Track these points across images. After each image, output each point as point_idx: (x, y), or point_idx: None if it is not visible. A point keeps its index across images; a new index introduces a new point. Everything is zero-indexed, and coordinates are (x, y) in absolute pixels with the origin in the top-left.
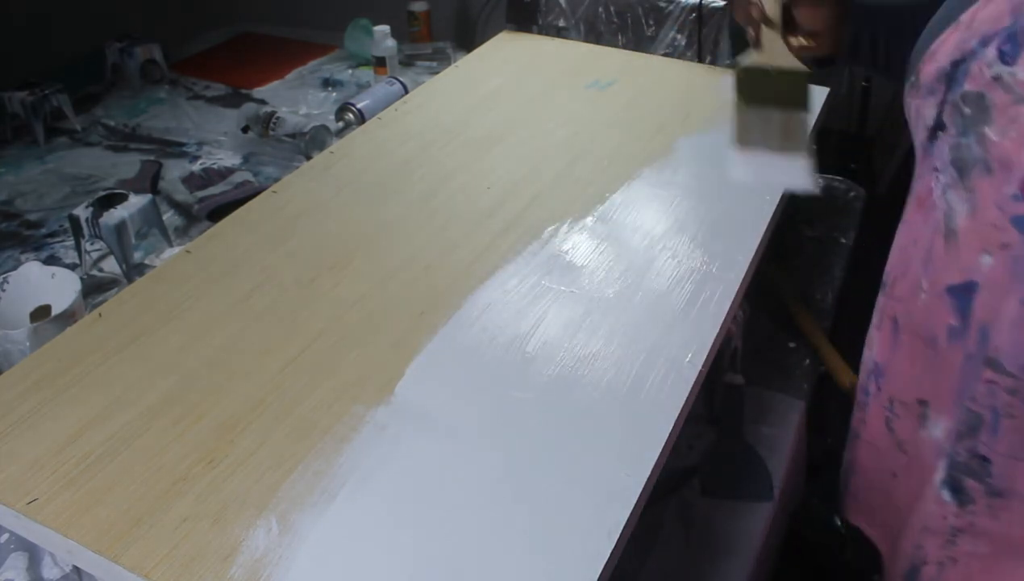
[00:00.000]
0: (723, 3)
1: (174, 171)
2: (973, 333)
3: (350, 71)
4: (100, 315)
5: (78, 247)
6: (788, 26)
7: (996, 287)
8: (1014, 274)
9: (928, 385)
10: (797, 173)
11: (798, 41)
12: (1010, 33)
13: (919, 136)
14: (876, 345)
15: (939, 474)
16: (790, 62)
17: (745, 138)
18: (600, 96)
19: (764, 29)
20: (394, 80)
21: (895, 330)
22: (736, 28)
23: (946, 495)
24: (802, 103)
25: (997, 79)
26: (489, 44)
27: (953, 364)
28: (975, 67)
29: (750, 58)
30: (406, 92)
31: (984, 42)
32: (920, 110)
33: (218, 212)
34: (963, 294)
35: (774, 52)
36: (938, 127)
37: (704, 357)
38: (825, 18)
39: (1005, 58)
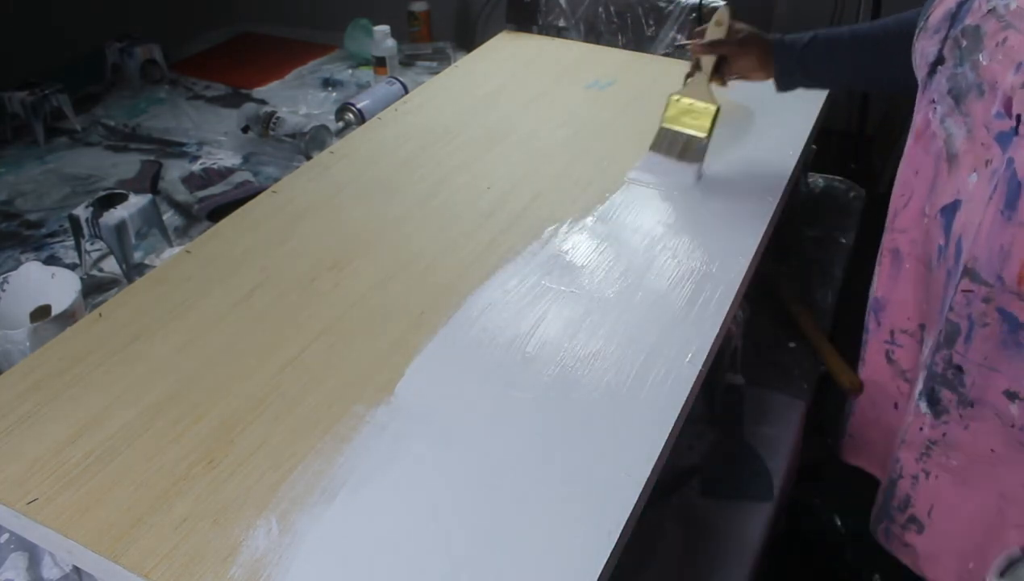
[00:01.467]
0: (723, 3)
1: (174, 171)
2: (951, 248)
3: (350, 71)
4: (100, 315)
5: (78, 247)
6: (719, 70)
7: (976, 201)
8: (993, 186)
9: (926, 308)
10: (685, 177)
11: (721, 82)
12: None
13: (920, 73)
14: (876, 281)
15: (919, 386)
16: (707, 99)
17: (657, 145)
18: (600, 96)
19: (697, 72)
20: (394, 80)
21: (896, 262)
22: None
23: (923, 406)
24: (706, 131)
25: (992, 11)
26: (489, 44)
27: (940, 282)
28: (977, 4)
29: (681, 89)
30: (406, 92)
31: None
32: (924, 49)
33: (218, 212)
34: (950, 212)
35: (698, 89)
36: (938, 61)
37: (704, 357)
38: (755, 60)
39: None
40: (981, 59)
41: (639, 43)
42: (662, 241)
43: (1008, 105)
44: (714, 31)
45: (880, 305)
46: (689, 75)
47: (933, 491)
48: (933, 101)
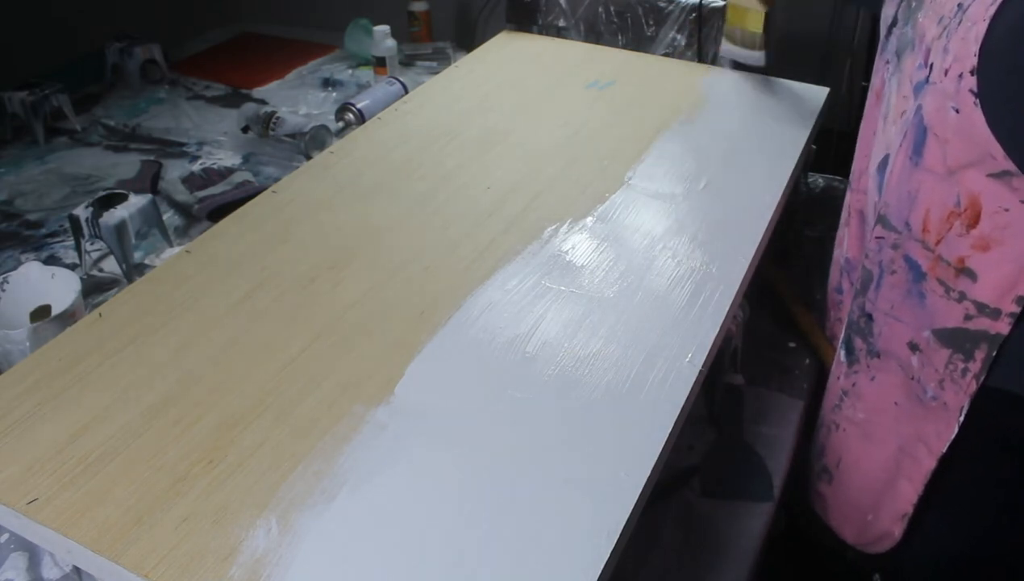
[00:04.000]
0: (723, 2)
1: (174, 171)
2: (882, 201)
3: (350, 71)
4: (100, 315)
5: (78, 247)
6: None
7: (895, 152)
8: (903, 133)
9: None
10: (753, 57)
11: None
12: None
13: (882, 35)
14: (846, 242)
15: (842, 335)
16: (755, 5)
17: (729, 37)
18: (600, 96)
19: None
20: (394, 80)
21: (862, 223)
22: None
23: (842, 354)
24: (759, 27)
25: None
26: (489, 44)
27: None
28: None
29: None
30: (406, 92)
31: None
32: (886, 13)
33: (218, 212)
34: (882, 168)
35: None
36: (893, 23)
37: (704, 357)
38: None
39: None
40: (920, 16)
41: (639, 43)
42: (662, 241)
43: (927, 56)
44: None
45: (852, 266)
46: None
47: (841, 443)
48: (887, 62)
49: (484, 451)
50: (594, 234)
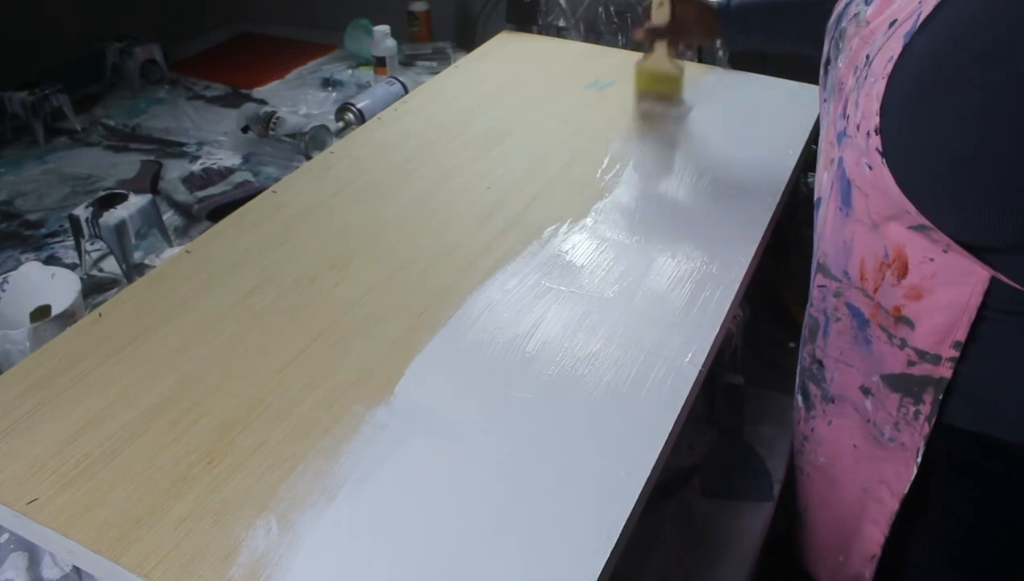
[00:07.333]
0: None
1: (174, 171)
2: (816, 246)
3: (350, 71)
4: (100, 315)
5: (78, 247)
6: (673, 41)
7: (827, 200)
8: (832, 183)
9: None
10: (672, 114)
11: (675, 53)
12: None
13: (822, 70)
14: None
15: (796, 380)
16: (668, 67)
17: (640, 97)
18: (600, 96)
19: (657, 42)
20: (394, 80)
21: None
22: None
23: (799, 400)
24: (675, 91)
25: (856, 15)
26: (489, 44)
27: None
28: (852, 7)
29: (645, 60)
30: (406, 92)
31: None
32: (825, 45)
33: (218, 212)
34: (815, 213)
35: (659, 59)
36: (827, 61)
37: (704, 357)
38: (697, 35)
39: (868, 0)
40: (840, 61)
41: (639, 43)
42: (662, 241)
43: (845, 105)
44: (657, 14)
45: None
46: (648, 52)
47: (807, 488)
48: (824, 100)
49: (484, 451)
50: (594, 234)
